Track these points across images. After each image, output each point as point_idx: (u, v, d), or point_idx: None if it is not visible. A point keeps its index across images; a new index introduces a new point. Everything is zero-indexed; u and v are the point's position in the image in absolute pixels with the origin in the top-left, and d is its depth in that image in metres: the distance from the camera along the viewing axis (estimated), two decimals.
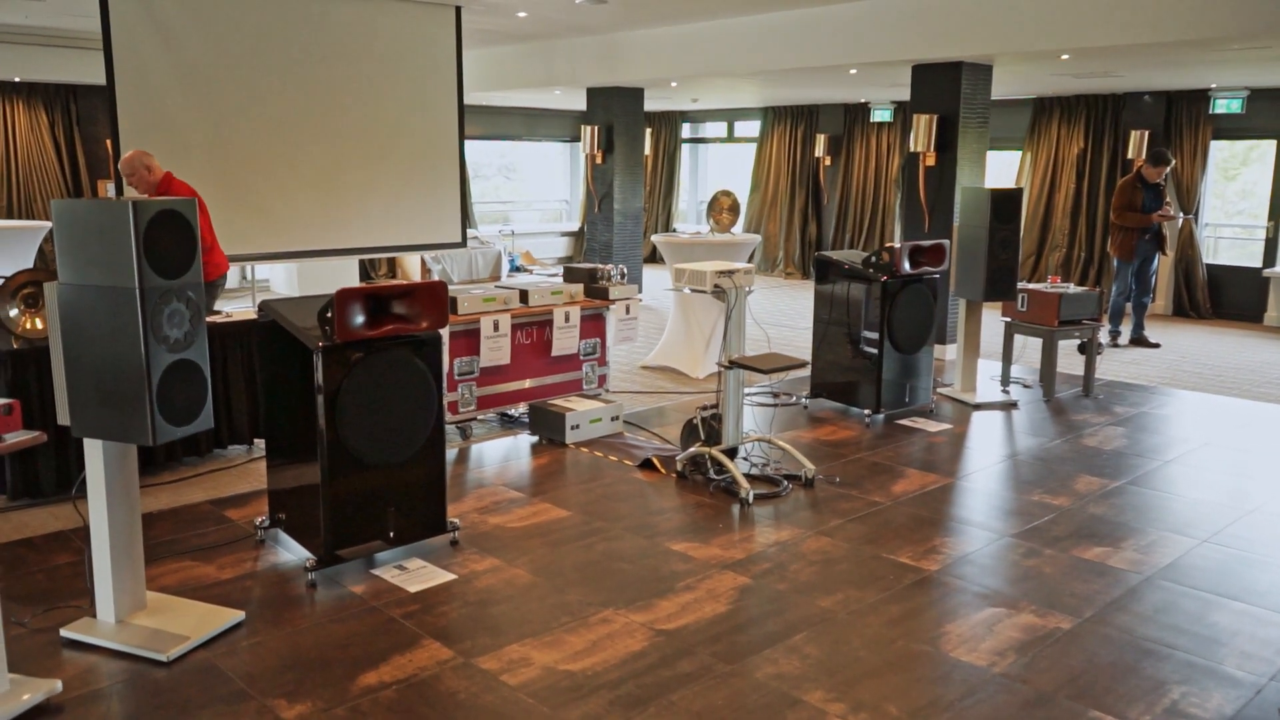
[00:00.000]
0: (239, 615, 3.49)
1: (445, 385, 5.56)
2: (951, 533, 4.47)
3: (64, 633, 3.32)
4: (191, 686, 3.07)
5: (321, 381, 3.69)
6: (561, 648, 3.35)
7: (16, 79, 10.30)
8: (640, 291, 11.34)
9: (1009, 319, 7.18)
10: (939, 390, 7.05)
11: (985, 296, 6.59)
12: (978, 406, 6.72)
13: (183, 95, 7.25)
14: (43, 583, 3.77)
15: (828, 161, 13.96)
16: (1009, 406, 6.76)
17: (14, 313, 4.64)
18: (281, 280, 11.76)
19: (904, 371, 6.35)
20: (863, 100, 13.29)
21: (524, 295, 5.97)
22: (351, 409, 3.75)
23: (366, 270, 12.85)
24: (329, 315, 3.71)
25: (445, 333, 5.48)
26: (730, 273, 5.01)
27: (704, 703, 3.01)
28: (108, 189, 10.60)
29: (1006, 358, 7.26)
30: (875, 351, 6.21)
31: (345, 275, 10.94)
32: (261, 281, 12.01)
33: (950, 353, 8.38)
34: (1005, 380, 7.26)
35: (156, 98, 7.13)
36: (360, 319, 3.76)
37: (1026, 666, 3.26)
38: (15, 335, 4.62)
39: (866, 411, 6.27)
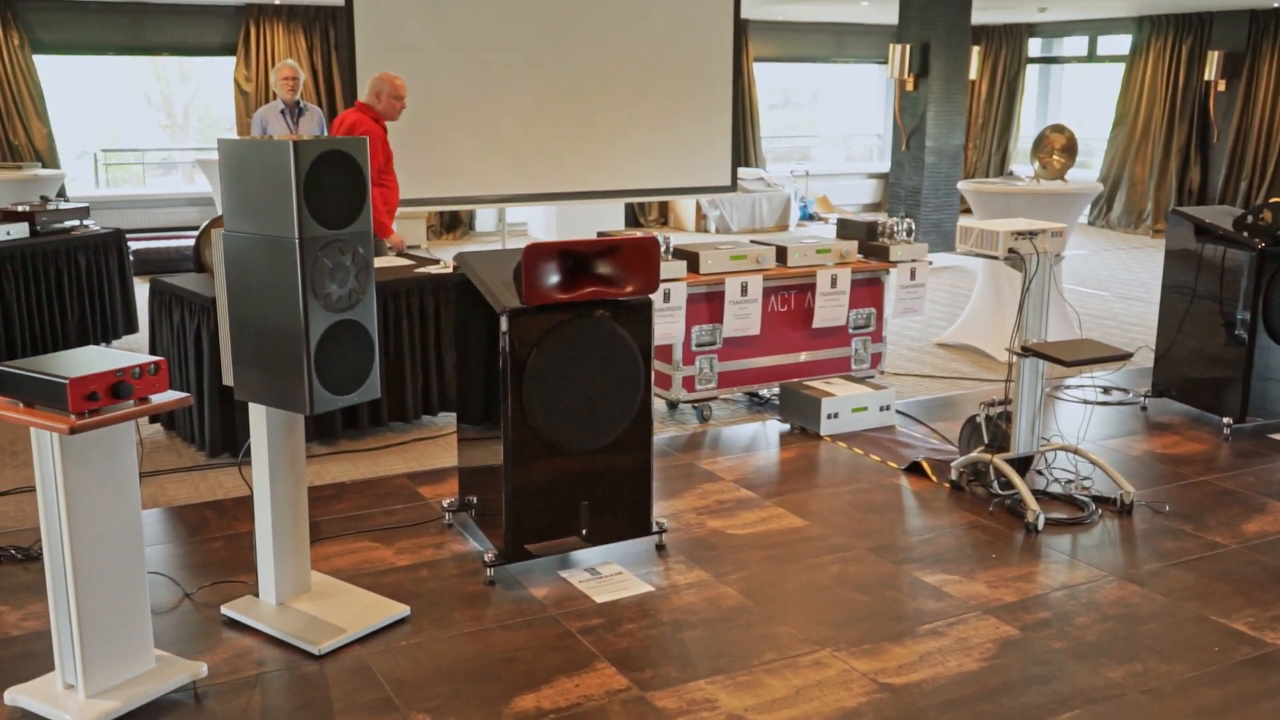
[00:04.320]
0: (404, 610, 3.63)
1: (681, 357, 5.53)
2: None
3: (224, 610, 3.60)
4: (337, 686, 3.22)
5: (508, 349, 3.74)
6: (757, 691, 3.21)
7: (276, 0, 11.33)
8: (953, 250, 10.77)
9: None
10: None
11: None
12: None
13: (423, 15, 7.64)
14: (220, 552, 4.11)
15: (1221, 86, 12.56)
16: None
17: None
18: (540, 224, 12.26)
19: None
20: (1277, 4, 11.81)
21: (782, 253, 5.80)
22: (541, 384, 3.78)
23: (635, 216, 13.12)
24: (521, 273, 3.74)
25: (683, 295, 5.43)
26: (1032, 234, 4.58)
27: None
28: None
29: None
30: (1245, 340, 5.50)
31: (608, 221, 11.24)
32: (518, 225, 12.57)
33: None
34: None
35: (396, 18, 7.56)
36: (554, 279, 3.76)
37: None
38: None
39: (1227, 420, 5.57)
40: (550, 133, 8.28)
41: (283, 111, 7.72)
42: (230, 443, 5.05)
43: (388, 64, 7.54)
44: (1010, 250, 4.56)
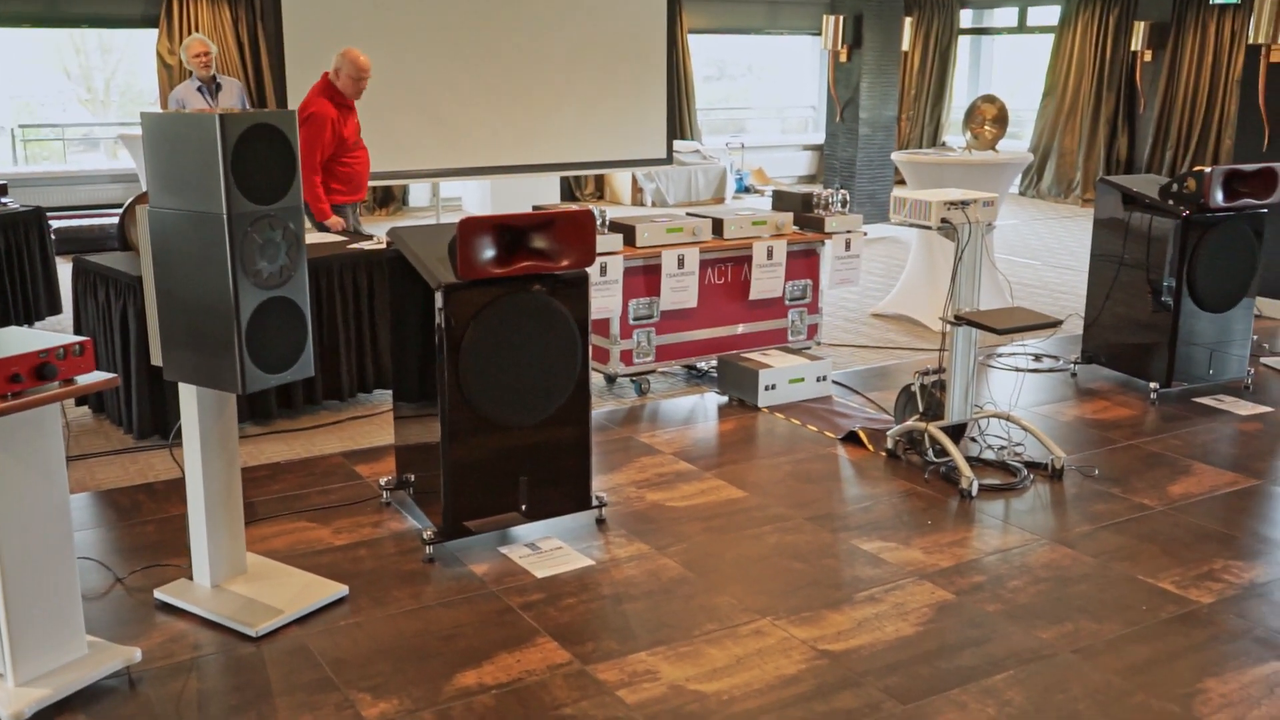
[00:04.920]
0: (342, 590, 3.61)
1: (619, 331, 5.54)
2: (1243, 554, 3.98)
3: (157, 594, 3.55)
4: (275, 668, 3.20)
5: (444, 325, 3.71)
6: (698, 662, 3.24)
7: None
8: (887, 221, 10.88)
9: None
10: (1261, 360, 6.34)
11: None
12: None
13: None
14: (151, 535, 4.06)
15: (1148, 57, 12.79)
16: None
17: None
18: (475, 199, 12.17)
19: (1210, 334, 5.72)
20: None
21: (718, 225, 5.82)
22: (478, 359, 3.76)
23: (571, 189, 13.07)
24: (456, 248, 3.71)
25: (619, 269, 5.43)
26: (964, 203, 4.64)
27: None
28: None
29: None
30: (1171, 306, 5.63)
31: (543, 195, 11.18)
32: (452, 200, 12.46)
33: None
34: None
35: None
36: (490, 253, 3.74)
37: None
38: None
39: (1154, 385, 5.71)
40: (484, 105, 8.21)
41: (200, 89, 7.56)
42: (160, 424, 4.97)
43: (316, 35, 7.43)
44: (943, 220, 4.62)
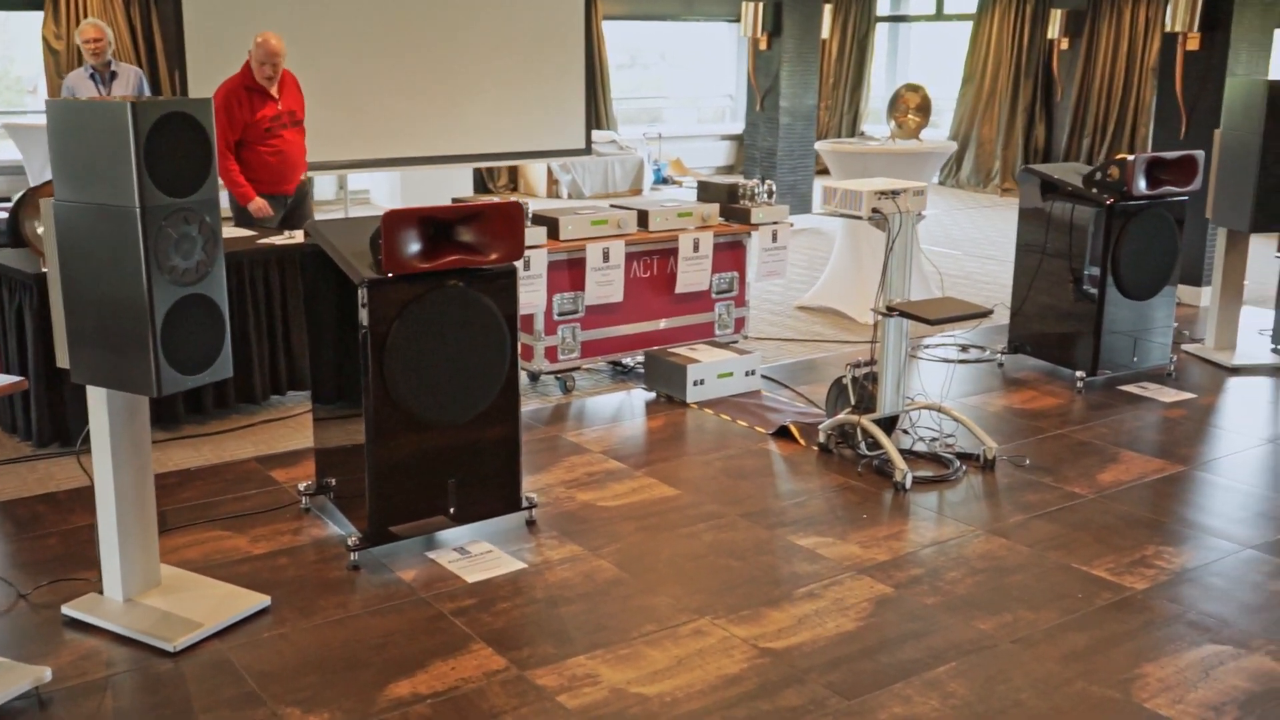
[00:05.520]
0: (264, 600, 3.56)
1: (543, 327, 5.53)
2: (1173, 540, 4.13)
3: (65, 610, 3.46)
4: (196, 684, 3.14)
5: (368, 322, 3.68)
6: (638, 664, 3.26)
7: None
8: (808, 212, 11.02)
9: None
10: (1183, 348, 6.55)
11: (1253, 226, 6.06)
12: (1235, 370, 6.22)
13: None
14: (56, 548, 3.95)
15: (1064, 45, 13.12)
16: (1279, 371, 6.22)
17: (42, 229, 4.84)
18: (384, 192, 12.03)
19: (1133, 322, 5.91)
20: None
21: (643, 217, 5.85)
22: (403, 357, 3.74)
23: (484, 181, 13.00)
24: (379, 242, 3.68)
25: (543, 263, 5.43)
26: (895, 193, 4.73)
27: None
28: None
29: None
30: (1095, 295, 5.79)
31: (456, 187, 11.11)
32: (360, 193, 12.32)
33: (1203, 298, 7.77)
34: (1278, 336, 6.68)
35: None
36: (415, 247, 3.72)
37: None
38: (44, 255, 4.82)
39: (1080, 374, 5.88)
40: (396, 95, 8.12)
41: (92, 76, 7.34)
42: (61, 431, 4.84)
43: (218, 17, 7.29)
44: (874, 210, 4.70)
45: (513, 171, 13.16)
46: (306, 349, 5.34)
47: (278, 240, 5.42)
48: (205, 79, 7.21)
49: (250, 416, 5.35)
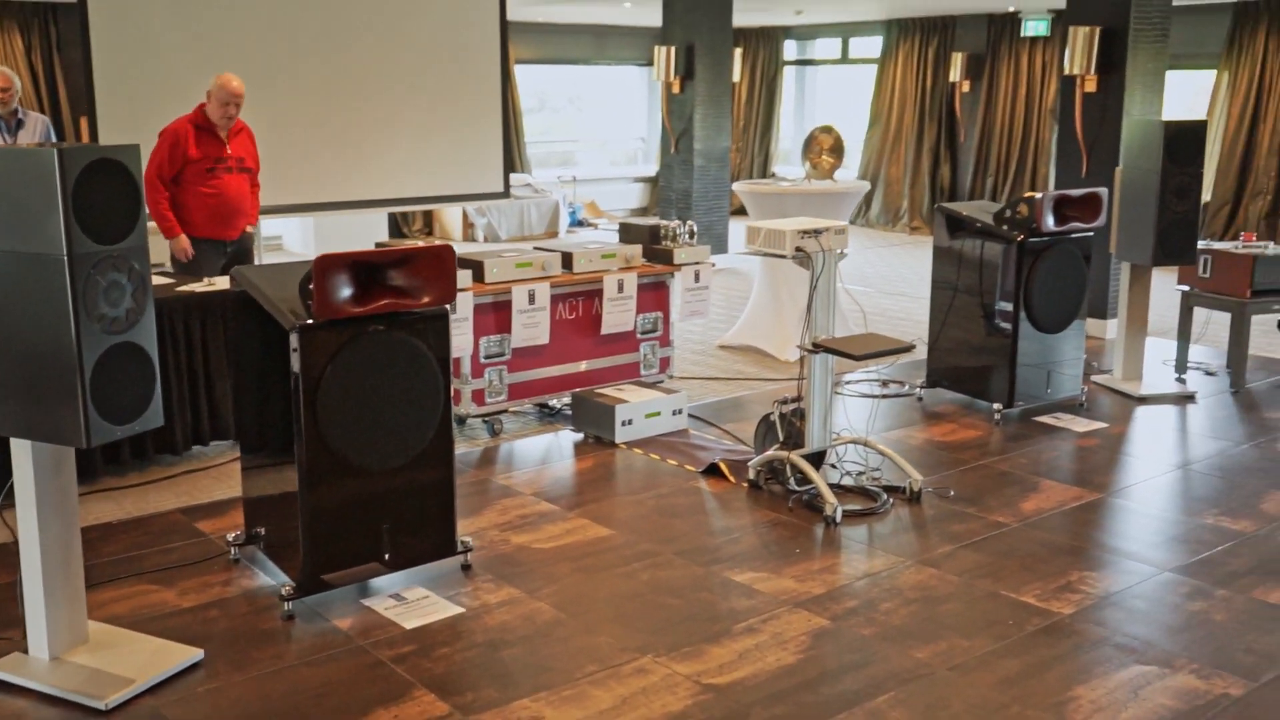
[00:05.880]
0: (197, 654, 3.49)
1: (470, 370, 5.53)
2: (1095, 565, 4.25)
3: None
4: None
5: (299, 368, 3.65)
6: (583, 704, 3.26)
7: None
8: (724, 252, 11.18)
9: (1187, 288, 6.86)
10: (1092, 379, 6.77)
11: (1155, 260, 6.29)
12: (1143, 399, 6.43)
13: (168, 9, 7.32)
14: None
15: (966, 87, 13.55)
16: (1184, 400, 6.45)
17: None
18: (296, 238, 11.93)
19: (1046, 355, 6.09)
20: (1012, 9, 12.84)
21: (568, 259, 5.89)
22: (336, 401, 3.71)
23: (399, 226, 12.94)
24: (310, 287, 3.66)
25: (469, 306, 5.43)
26: (817, 232, 4.84)
27: None
28: (86, 127, 10.84)
29: (1183, 337, 6.94)
30: (1009, 330, 5.97)
31: (371, 232, 11.03)
32: (271, 239, 12.17)
33: (1109, 331, 8.05)
34: (1181, 366, 6.94)
35: (137, 13, 7.20)
36: (347, 291, 3.71)
37: None
38: None
39: (996, 406, 6.04)
40: (310, 138, 8.07)
41: None
42: None
43: (128, 62, 7.19)
44: (797, 249, 4.80)
45: (428, 216, 13.14)
46: (230, 397, 5.29)
47: (197, 288, 5.34)
48: (117, 125, 7.11)
49: (170, 468, 5.25)
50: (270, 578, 4.07)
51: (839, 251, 4.95)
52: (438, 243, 4.01)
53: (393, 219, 12.58)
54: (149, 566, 4.17)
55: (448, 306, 3.95)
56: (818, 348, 4.78)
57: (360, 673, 3.44)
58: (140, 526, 4.56)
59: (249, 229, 6.25)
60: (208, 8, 7.46)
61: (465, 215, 12.87)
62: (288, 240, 12.14)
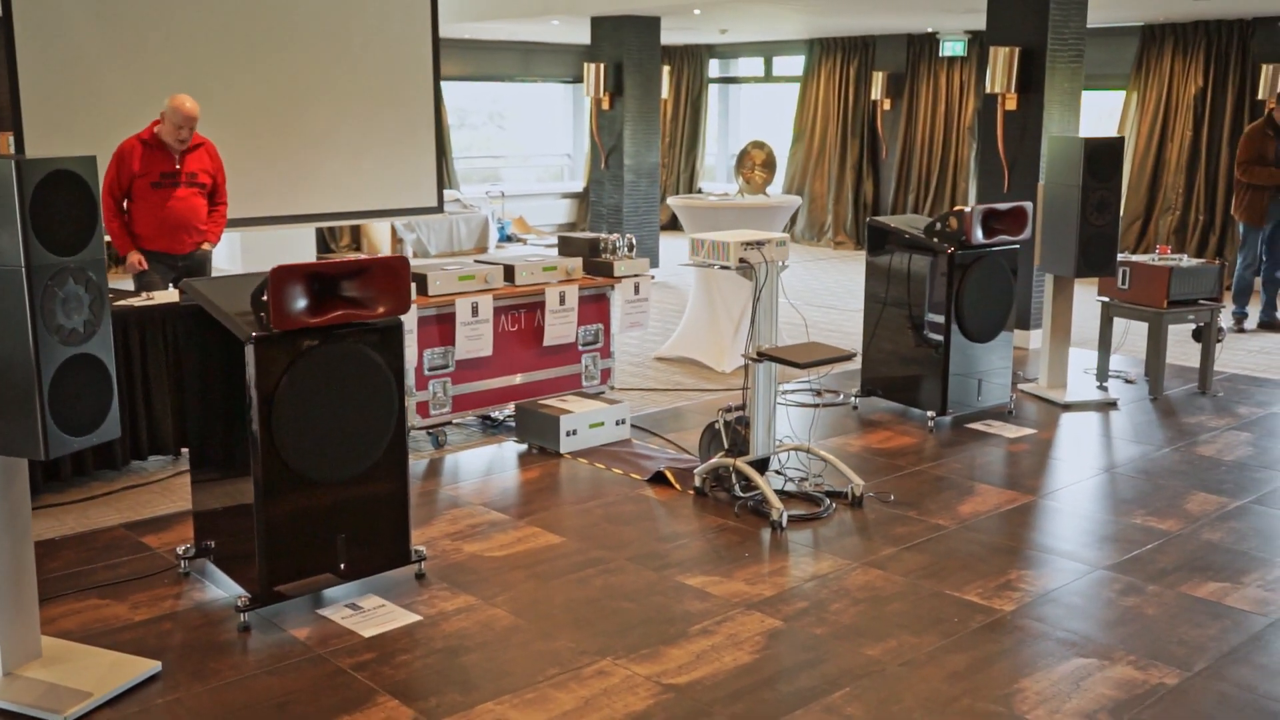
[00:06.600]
0: (155, 666, 3.47)
1: (414, 383, 5.54)
2: (1032, 564, 4.40)
3: None
4: None
5: (254, 379, 3.66)
6: (546, 707, 3.31)
7: None
8: (655, 266, 11.29)
9: (1107, 299, 7.09)
10: (1020, 387, 6.98)
11: (1077, 272, 6.51)
12: (1067, 406, 6.64)
13: (95, 23, 7.23)
14: None
15: (887, 105, 13.85)
16: (1106, 406, 6.68)
17: None
18: (222, 254, 11.76)
19: (976, 364, 6.27)
20: (930, 30, 13.17)
21: (509, 272, 5.93)
22: (291, 413, 3.72)
23: (326, 242, 12.86)
24: (264, 298, 3.67)
25: (413, 319, 5.45)
26: (760, 244, 4.95)
27: None
28: (8, 143, 10.61)
29: (1104, 346, 7.17)
30: (940, 340, 6.13)
31: (299, 249, 10.95)
32: None
33: (1034, 340, 8.30)
34: (1102, 374, 7.17)
35: (64, 27, 7.11)
36: (302, 303, 3.72)
37: None
38: None
39: (930, 413, 6.20)
40: (237, 152, 8.01)
41: None
42: None
43: (53, 75, 7.10)
44: (741, 260, 4.90)
45: (356, 231, 13.07)
46: (170, 412, 5.25)
47: (136, 302, 5.30)
48: (44, 141, 7.01)
49: (111, 483, 5.18)
50: (222, 590, 4.05)
51: (780, 263, 5.07)
52: (392, 254, 4.04)
53: (320, 235, 12.50)
54: (97, 581, 4.13)
55: (402, 318, 3.98)
56: (762, 356, 4.89)
57: (321, 681, 3.45)
58: (84, 542, 4.51)
59: (205, 246, 6.19)
60: (136, 23, 7.39)
61: (394, 230, 12.82)
62: (215, 257, 11.97)
